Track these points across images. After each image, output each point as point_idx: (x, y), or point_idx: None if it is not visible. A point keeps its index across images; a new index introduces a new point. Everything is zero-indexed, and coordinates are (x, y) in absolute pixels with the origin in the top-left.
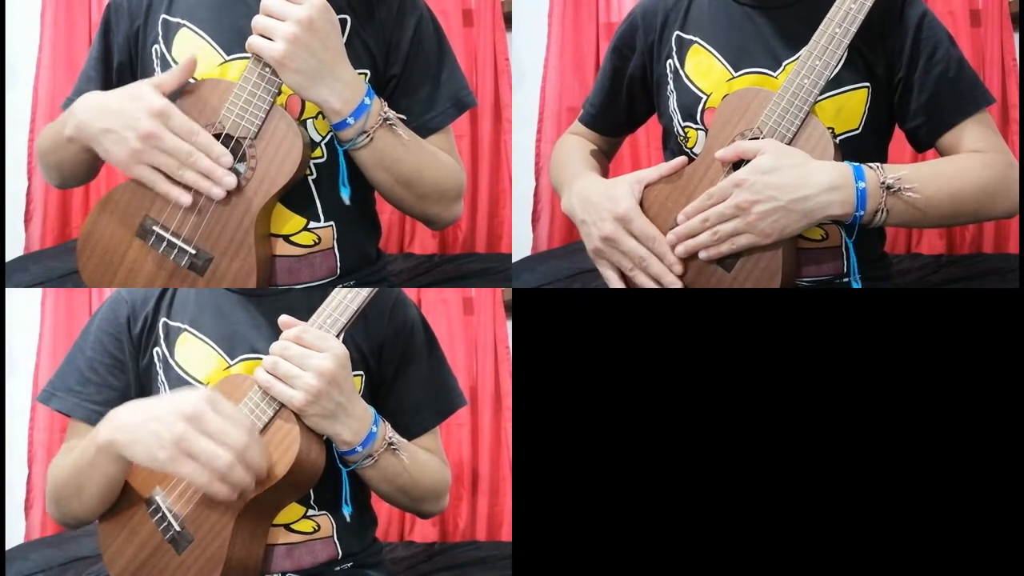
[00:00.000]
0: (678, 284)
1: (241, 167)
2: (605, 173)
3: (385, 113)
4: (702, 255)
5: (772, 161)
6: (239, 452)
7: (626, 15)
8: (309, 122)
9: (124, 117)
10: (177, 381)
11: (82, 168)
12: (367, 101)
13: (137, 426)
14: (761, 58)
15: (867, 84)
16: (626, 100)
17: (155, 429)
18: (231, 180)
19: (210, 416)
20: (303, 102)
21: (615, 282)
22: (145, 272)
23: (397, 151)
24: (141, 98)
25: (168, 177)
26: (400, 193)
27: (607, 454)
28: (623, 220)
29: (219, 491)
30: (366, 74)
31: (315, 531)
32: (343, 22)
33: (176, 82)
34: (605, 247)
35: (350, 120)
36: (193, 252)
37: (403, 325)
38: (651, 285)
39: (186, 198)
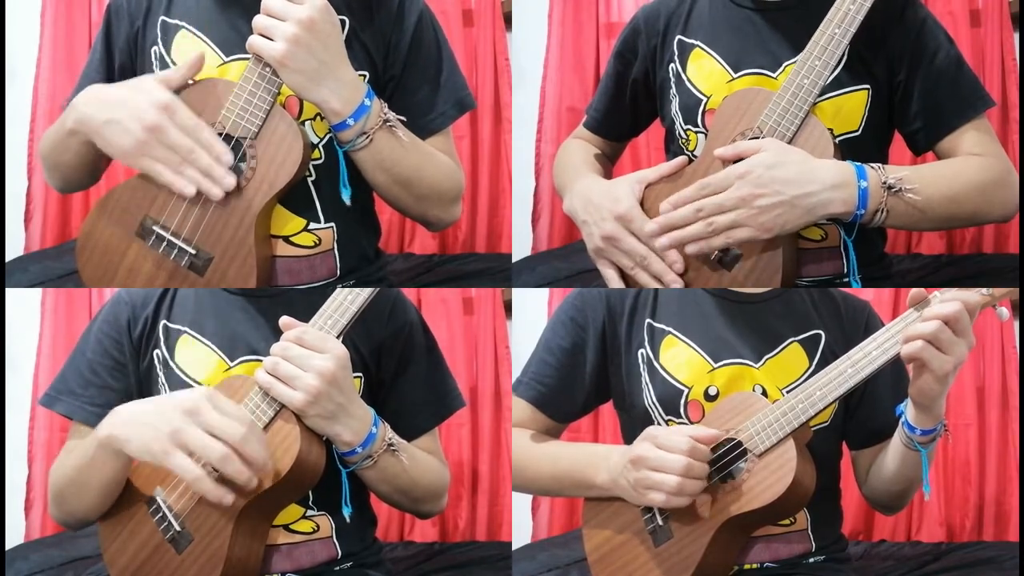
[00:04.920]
0: (679, 283)
1: (242, 166)
2: (608, 176)
3: (385, 114)
4: (690, 248)
5: (775, 156)
6: (236, 445)
7: (629, 20)
8: (308, 123)
9: (129, 108)
10: (177, 383)
11: (84, 167)
12: (367, 102)
13: (135, 421)
14: (761, 59)
15: (867, 86)
16: (630, 104)
17: (152, 422)
18: (230, 181)
19: (208, 411)
20: (301, 103)
21: (615, 281)
22: (145, 272)
23: (396, 152)
24: (147, 91)
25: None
26: (399, 194)
27: None
28: (624, 219)
29: (210, 491)
30: (365, 75)
31: (314, 531)
32: (342, 23)
33: (182, 78)
34: (606, 246)
35: (350, 121)
36: (193, 252)
37: (402, 326)
38: (653, 284)
39: (190, 189)
